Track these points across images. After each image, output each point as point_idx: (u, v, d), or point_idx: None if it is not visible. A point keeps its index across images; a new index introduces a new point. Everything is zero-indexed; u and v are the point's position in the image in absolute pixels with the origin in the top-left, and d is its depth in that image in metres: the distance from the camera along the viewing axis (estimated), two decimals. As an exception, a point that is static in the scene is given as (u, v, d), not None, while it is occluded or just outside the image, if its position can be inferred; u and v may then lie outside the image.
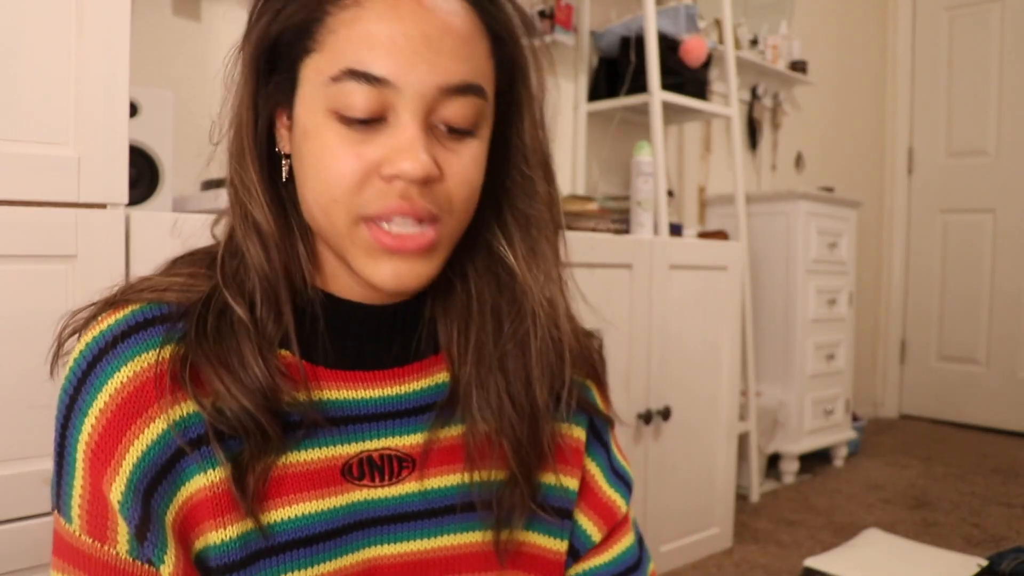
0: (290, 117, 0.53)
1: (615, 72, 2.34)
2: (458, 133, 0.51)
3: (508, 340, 0.57)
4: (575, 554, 0.63)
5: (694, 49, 2.28)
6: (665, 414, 1.91)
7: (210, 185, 1.33)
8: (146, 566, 0.49)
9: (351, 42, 0.48)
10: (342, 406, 0.56)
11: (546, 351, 0.58)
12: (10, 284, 0.95)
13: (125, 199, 1.02)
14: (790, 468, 2.74)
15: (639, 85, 2.22)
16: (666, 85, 2.19)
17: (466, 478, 0.58)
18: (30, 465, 0.97)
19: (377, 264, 0.50)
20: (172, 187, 1.23)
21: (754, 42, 2.96)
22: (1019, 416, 3.46)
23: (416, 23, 0.48)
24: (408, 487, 0.57)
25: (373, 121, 0.49)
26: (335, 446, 0.55)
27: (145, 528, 0.49)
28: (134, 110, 1.16)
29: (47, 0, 0.96)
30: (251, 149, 0.53)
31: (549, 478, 0.61)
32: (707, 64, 2.38)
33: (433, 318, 0.59)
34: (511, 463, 0.57)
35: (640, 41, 2.20)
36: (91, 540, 0.49)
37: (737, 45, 2.74)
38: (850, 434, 2.99)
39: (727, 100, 2.51)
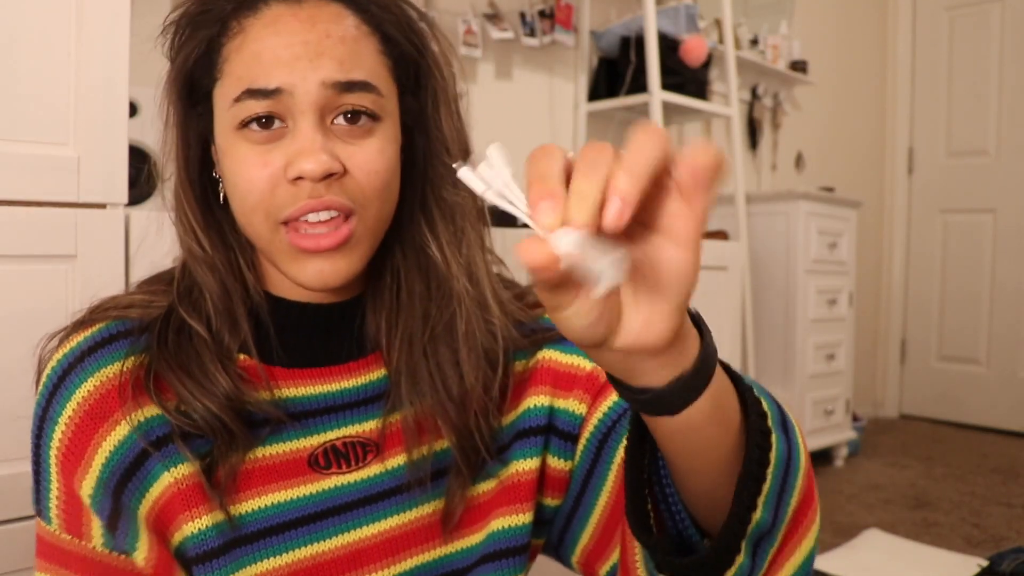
0: (215, 143, 0.58)
1: (615, 72, 2.34)
2: (357, 127, 0.54)
3: (436, 324, 0.60)
4: (574, 439, 0.64)
5: (694, 49, 2.28)
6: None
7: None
8: (120, 556, 0.53)
9: (242, 64, 0.53)
10: (300, 402, 0.59)
11: (473, 332, 0.60)
12: (10, 284, 0.94)
13: (125, 199, 1.02)
14: (790, 468, 2.74)
15: (639, 85, 2.22)
16: (666, 85, 2.19)
17: (415, 455, 0.60)
18: (30, 465, 0.97)
19: (301, 266, 0.54)
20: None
21: (754, 42, 2.96)
22: (1019, 416, 3.46)
23: (295, 33, 0.52)
24: (374, 469, 0.60)
25: (275, 129, 0.53)
26: (298, 439, 0.58)
27: (116, 519, 0.53)
28: (134, 110, 1.16)
29: (47, 0, 0.96)
30: (184, 181, 0.58)
31: (514, 413, 0.63)
32: (707, 64, 2.38)
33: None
34: (449, 439, 0.60)
35: (640, 41, 2.20)
36: (69, 537, 0.53)
37: (737, 45, 2.74)
38: (850, 434, 2.99)
39: (727, 100, 2.51)
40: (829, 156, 3.54)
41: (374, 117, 0.55)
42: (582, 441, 0.63)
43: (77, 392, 0.54)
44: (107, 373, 0.54)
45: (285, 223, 0.53)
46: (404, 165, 0.60)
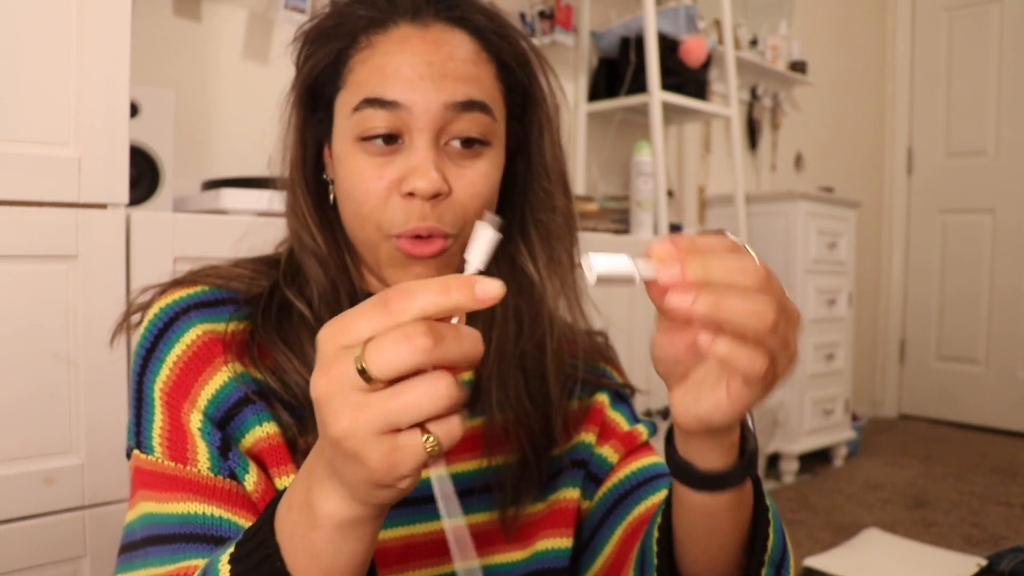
0: (331, 148, 0.61)
1: (615, 72, 2.34)
2: (468, 150, 0.57)
3: (527, 341, 0.62)
4: (598, 482, 0.68)
5: (694, 49, 2.28)
6: (665, 414, 1.91)
7: (210, 185, 1.33)
8: (228, 480, 0.54)
9: (367, 76, 0.56)
10: None
11: (560, 350, 0.64)
12: (10, 284, 0.95)
13: (125, 199, 1.03)
14: (790, 468, 2.74)
15: (639, 85, 2.22)
16: (666, 85, 2.19)
17: (484, 463, 0.62)
18: (30, 465, 0.97)
19: (404, 272, 0.57)
20: (172, 187, 1.23)
21: (754, 42, 2.96)
22: (1018, 416, 3.46)
23: (420, 53, 0.55)
24: (436, 472, 0.60)
25: (392, 144, 0.56)
26: None
27: (227, 448, 0.55)
28: (135, 110, 1.16)
29: (48, 1, 0.96)
30: (300, 179, 0.62)
31: (569, 443, 0.67)
32: (707, 64, 2.38)
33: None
34: (525, 449, 0.62)
35: (640, 41, 2.20)
36: (174, 464, 0.54)
37: (737, 45, 2.74)
38: (849, 434, 2.99)
39: (727, 100, 2.51)
40: (828, 156, 3.54)
41: (485, 143, 0.58)
42: (605, 487, 0.67)
43: (184, 337, 0.57)
44: (212, 326, 0.57)
45: (395, 236, 0.56)
46: (504, 186, 0.62)
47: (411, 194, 0.55)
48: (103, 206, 1.01)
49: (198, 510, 0.52)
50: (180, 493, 0.53)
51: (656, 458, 0.71)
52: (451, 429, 0.37)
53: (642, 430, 0.70)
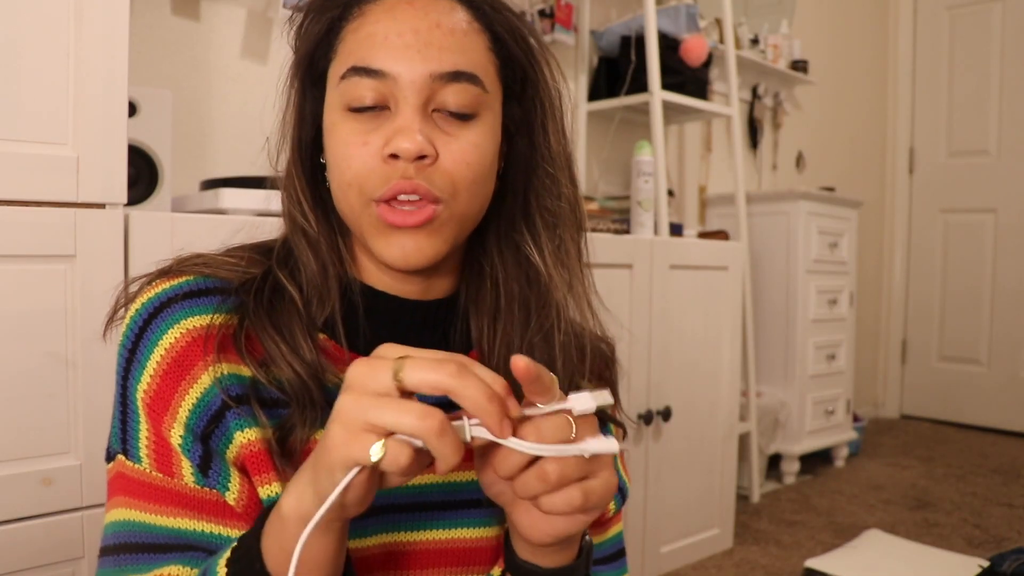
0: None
1: (615, 71, 2.34)
2: (456, 118, 0.55)
3: (535, 333, 0.60)
4: None
5: (695, 48, 2.28)
6: (665, 414, 1.90)
7: (209, 185, 1.32)
8: (213, 491, 0.54)
9: (355, 44, 0.55)
10: None
11: (569, 344, 0.61)
12: (9, 284, 0.94)
13: (124, 199, 1.02)
14: (791, 468, 2.73)
15: (639, 85, 2.21)
16: (666, 85, 2.18)
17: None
18: (30, 465, 0.97)
19: (386, 241, 0.55)
20: (171, 187, 1.23)
21: (755, 41, 2.95)
22: (1020, 416, 3.45)
23: (407, 21, 0.54)
24: (430, 478, 0.59)
25: (378, 111, 0.54)
26: None
27: (207, 464, 0.53)
28: (133, 110, 1.16)
29: (46, 0, 0.96)
30: (296, 160, 0.60)
31: None
32: (708, 63, 2.38)
33: (467, 314, 0.62)
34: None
35: (640, 40, 2.20)
36: (161, 475, 0.54)
37: (738, 44, 2.74)
38: (851, 434, 2.99)
39: (728, 100, 2.51)
40: (830, 156, 3.54)
41: (475, 113, 0.55)
42: None
43: (164, 339, 0.54)
44: (192, 323, 0.55)
45: (376, 201, 0.54)
46: (507, 172, 0.61)
47: (394, 156, 0.53)
48: (101, 206, 1.01)
49: (187, 526, 0.52)
50: (169, 507, 0.53)
51: (616, 530, 0.70)
52: (399, 454, 0.40)
53: (610, 504, 0.68)
